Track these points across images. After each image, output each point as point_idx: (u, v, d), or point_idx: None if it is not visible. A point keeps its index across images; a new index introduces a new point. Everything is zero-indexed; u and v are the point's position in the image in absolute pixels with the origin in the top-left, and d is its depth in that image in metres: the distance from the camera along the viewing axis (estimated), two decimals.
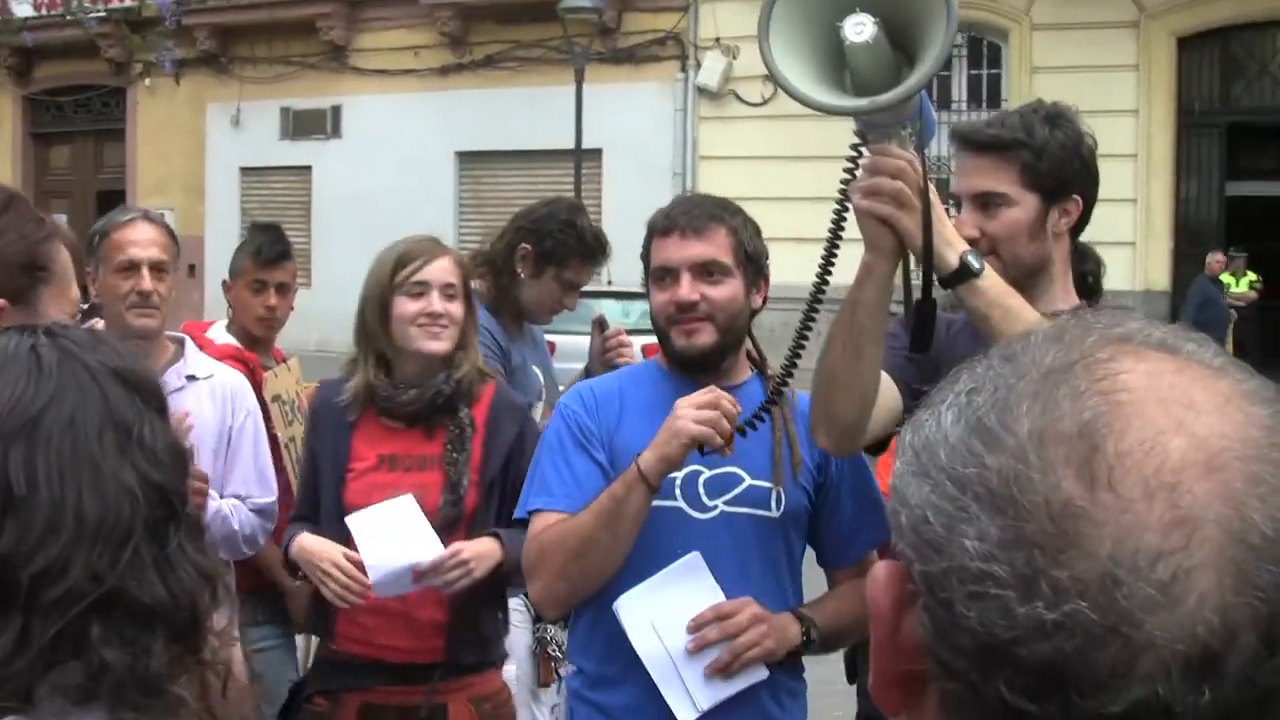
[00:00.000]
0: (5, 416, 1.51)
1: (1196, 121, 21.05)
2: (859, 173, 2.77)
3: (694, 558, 3.26)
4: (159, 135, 28.50)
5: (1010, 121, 3.19)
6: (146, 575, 1.49)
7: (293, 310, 5.36)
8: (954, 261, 2.74)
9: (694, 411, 3.09)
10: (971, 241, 3.00)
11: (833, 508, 3.45)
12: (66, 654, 1.45)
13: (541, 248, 4.81)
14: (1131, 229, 19.91)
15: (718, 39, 22.85)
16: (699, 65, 23.13)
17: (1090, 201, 3.20)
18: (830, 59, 2.62)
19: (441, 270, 3.95)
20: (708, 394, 3.13)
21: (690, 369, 3.40)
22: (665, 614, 3.23)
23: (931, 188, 2.71)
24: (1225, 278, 21.21)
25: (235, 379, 4.43)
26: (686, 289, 3.32)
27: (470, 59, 25.33)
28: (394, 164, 25.24)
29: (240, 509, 4.27)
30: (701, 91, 23.09)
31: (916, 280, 2.82)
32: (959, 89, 21.83)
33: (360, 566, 3.78)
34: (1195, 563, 0.83)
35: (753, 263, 3.40)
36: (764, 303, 3.47)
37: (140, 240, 4.23)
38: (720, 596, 3.25)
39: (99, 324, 4.11)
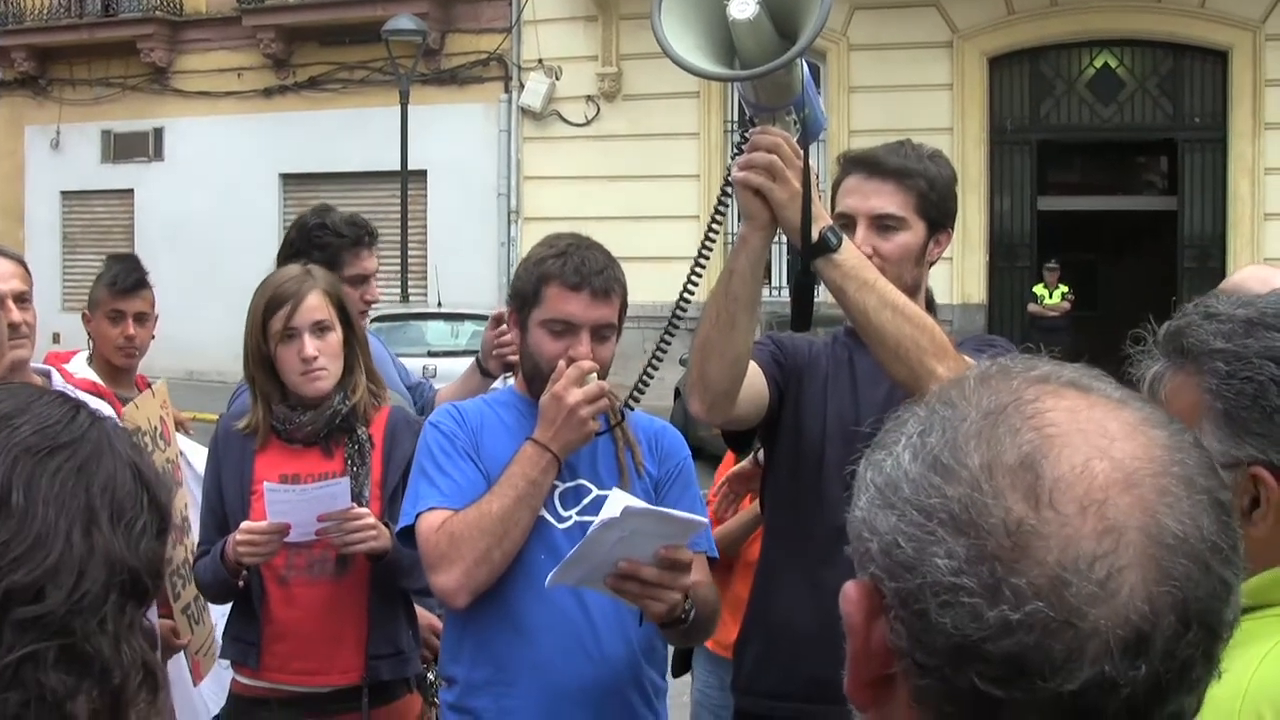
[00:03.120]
0: (29, 433, 1.53)
1: (1008, 139, 21.62)
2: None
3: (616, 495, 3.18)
4: None
5: (906, 152, 3.42)
6: (103, 634, 1.50)
7: (154, 339, 5.37)
8: (815, 235, 2.87)
9: (590, 408, 3.26)
10: None
11: (662, 502, 3.52)
12: (11, 684, 1.45)
13: (314, 260, 4.68)
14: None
15: (540, 60, 22.98)
16: (522, 86, 23.22)
17: (951, 237, 3.46)
18: (723, 43, 2.77)
19: (308, 311, 3.95)
20: (595, 387, 3.28)
21: None
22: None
23: (811, 168, 2.88)
24: (1039, 290, 21.77)
25: (105, 410, 4.40)
26: (585, 349, 3.39)
27: (294, 80, 25.20)
28: (218, 186, 25.00)
29: None
30: (525, 112, 23.19)
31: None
32: None
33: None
34: (1124, 562, 1.02)
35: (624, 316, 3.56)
36: None
37: (3, 275, 4.22)
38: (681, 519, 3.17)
39: None
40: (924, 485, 1.08)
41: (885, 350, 2.92)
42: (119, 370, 5.22)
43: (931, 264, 3.45)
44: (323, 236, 4.86)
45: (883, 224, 3.33)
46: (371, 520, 3.83)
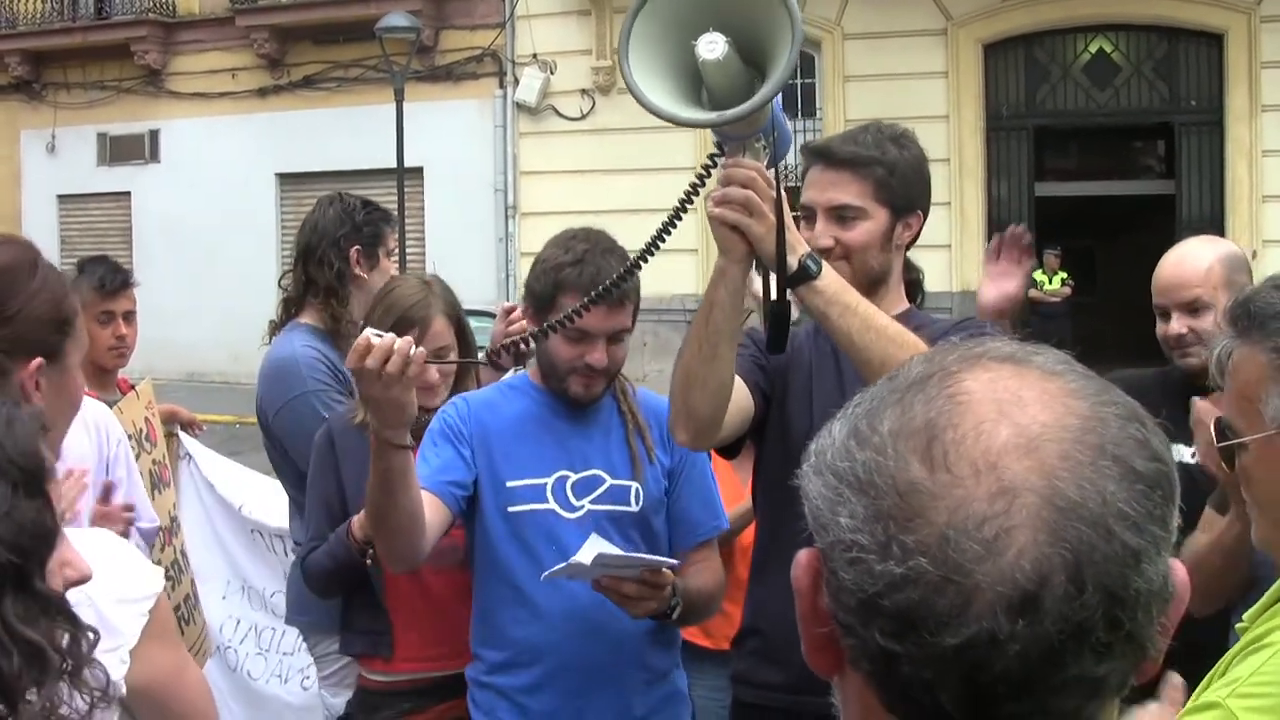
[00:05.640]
0: None
1: (1004, 125, 21.59)
2: (712, 183, 2.93)
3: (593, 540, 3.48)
4: None
5: (864, 139, 3.40)
6: None
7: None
8: (794, 264, 2.88)
9: (380, 386, 2.95)
10: (826, 250, 3.24)
11: (677, 494, 3.74)
12: None
13: (364, 238, 4.89)
14: (947, 231, 20.37)
15: (535, 55, 22.95)
16: (517, 81, 23.20)
17: (926, 216, 3.47)
18: (688, 76, 2.74)
19: (433, 338, 3.95)
20: (373, 363, 2.92)
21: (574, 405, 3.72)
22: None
23: (784, 195, 2.86)
24: (1039, 276, 21.76)
25: (100, 409, 4.35)
26: (601, 355, 3.56)
27: (289, 80, 25.16)
28: (215, 187, 24.98)
29: (135, 535, 4.24)
30: (520, 107, 23.17)
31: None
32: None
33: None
34: (1015, 523, 1.03)
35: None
36: None
37: None
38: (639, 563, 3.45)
39: None
40: (842, 451, 1.13)
41: (871, 370, 2.91)
42: (104, 373, 5.20)
43: (904, 247, 3.46)
44: (370, 214, 4.96)
45: (840, 214, 3.34)
46: None
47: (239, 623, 5.70)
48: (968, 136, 21.10)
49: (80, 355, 2.68)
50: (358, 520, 3.85)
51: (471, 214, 23.47)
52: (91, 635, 1.83)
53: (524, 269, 23.49)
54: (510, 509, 3.63)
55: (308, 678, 5.37)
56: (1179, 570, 1.11)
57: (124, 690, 2.18)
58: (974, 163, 21.02)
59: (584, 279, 3.47)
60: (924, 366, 1.15)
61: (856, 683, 1.13)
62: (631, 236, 2.85)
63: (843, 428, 1.15)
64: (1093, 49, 21.33)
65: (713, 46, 2.65)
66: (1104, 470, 1.05)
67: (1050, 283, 21.82)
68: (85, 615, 2.14)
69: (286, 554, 5.34)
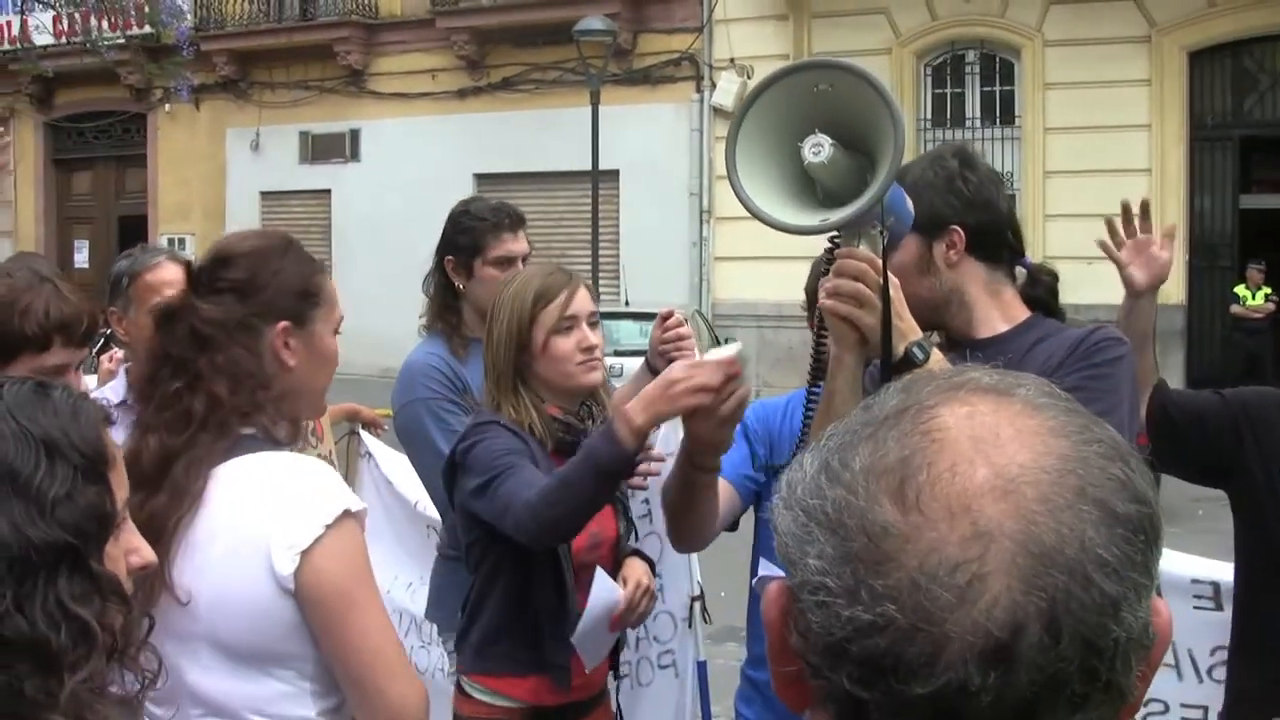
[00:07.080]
0: None
1: (1209, 135, 21.12)
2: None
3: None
4: (180, 161, 28.78)
5: None
6: (16, 615, 1.60)
7: None
8: (900, 351, 2.86)
9: (711, 433, 3.12)
10: None
11: None
12: None
13: (457, 247, 4.87)
14: None
15: (732, 59, 23.02)
16: (714, 85, 23.30)
17: (979, 227, 3.29)
18: (798, 173, 2.78)
19: (584, 300, 3.88)
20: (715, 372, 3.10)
21: None
22: None
23: (894, 281, 2.84)
24: (1241, 290, 21.26)
25: None
26: None
27: (487, 81, 25.62)
28: (413, 186, 25.43)
29: None
30: (717, 112, 23.18)
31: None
32: (972, 106, 21.95)
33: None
34: (989, 570, 0.98)
35: None
36: None
37: (174, 281, 4.33)
38: None
39: (118, 354, 4.28)
40: (813, 487, 1.07)
41: None
42: None
43: (962, 263, 3.31)
44: (466, 221, 4.92)
45: None
46: (643, 580, 3.90)
47: (400, 616, 5.76)
48: (1170, 146, 20.68)
49: (331, 324, 3.03)
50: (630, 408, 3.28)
51: (666, 218, 23.61)
52: (146, 622, 1.97)
53: (717, 273, 23.35)
54: None
55: None
56: (1162, 613, 1.07)
57: (293, 585, 2.53)
58: (1176, 174, 20.60)
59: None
60: (900, 398, 1.11)
61: None
62: (822, 239, 2.87)
63: (814, 461, 1.10)
64: None
65: (818, 150, 2.68)
66: (1083, 514, 1.01)
67: (1253, 298, 21.25)
68: (260, 518, 2.55)
69: None
